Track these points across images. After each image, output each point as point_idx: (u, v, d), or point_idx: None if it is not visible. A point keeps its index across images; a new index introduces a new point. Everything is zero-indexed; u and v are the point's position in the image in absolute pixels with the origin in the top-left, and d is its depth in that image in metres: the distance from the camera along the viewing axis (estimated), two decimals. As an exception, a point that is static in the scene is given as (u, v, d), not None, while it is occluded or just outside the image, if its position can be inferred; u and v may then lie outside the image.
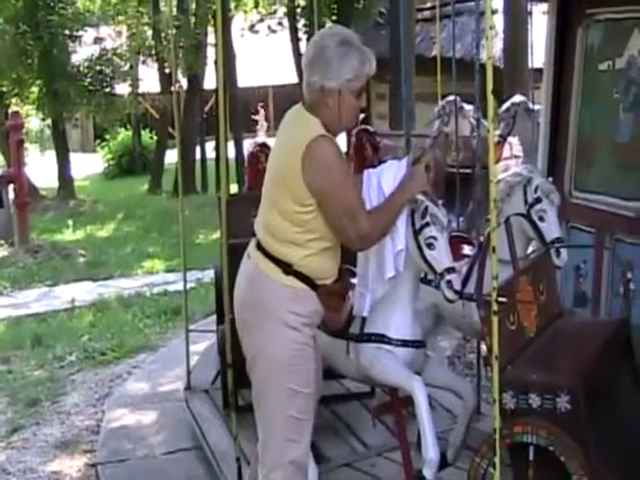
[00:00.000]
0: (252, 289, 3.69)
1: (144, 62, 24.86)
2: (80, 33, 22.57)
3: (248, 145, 8.90)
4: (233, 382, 4.54)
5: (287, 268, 3.62)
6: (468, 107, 8.38)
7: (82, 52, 23.00)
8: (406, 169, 3.88)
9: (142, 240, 15.96)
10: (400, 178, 3.88)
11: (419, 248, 4.03)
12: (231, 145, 19.70)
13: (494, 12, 14.45)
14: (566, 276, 5.53)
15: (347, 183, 3.56)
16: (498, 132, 8.72)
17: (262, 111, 9.31)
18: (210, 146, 23.43)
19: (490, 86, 3.36)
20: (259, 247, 3.70)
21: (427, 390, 4.04)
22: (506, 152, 8.97)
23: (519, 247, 4.53)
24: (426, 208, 3.98)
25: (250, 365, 3.74)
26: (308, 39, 19.77)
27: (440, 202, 4.05)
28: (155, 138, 27.39)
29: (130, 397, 6.80)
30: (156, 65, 24.53)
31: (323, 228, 3.60)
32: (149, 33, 23.89)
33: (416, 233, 4.01)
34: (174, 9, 20.47)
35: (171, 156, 22.79)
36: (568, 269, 5.49)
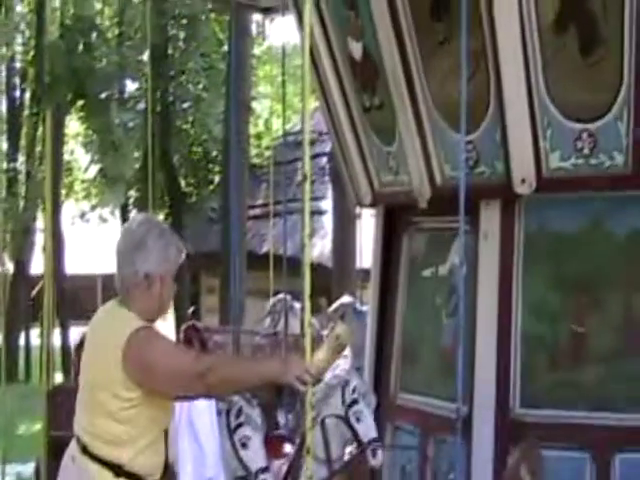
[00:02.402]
0: None
1: (-32, 242, 24.34)
2: None
3: (76, 335, 8.79)
4: None
5: (118, 470, 3.56)
6: (298, 305, 8.56)
7: None
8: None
9: (-42, 429, 15.21)
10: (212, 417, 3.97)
11: (234, 447, 4.06)
12: (57, 332, 19.33)
13: (323, 213, 15.00)
14: (392, 477, 5.60)
15: (176, 356, 3.60)
16: (326, 331, 8.91)
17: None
18: (35, 333, 22.87)
19: (307, 292, 3.49)
20: (85, 451, 3.63)
21: None
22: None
23: (337, 447, 4.62)
24: (240, 408, 4.05)
25: None
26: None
27: (255, 402, 4.13)
28: (-23, 323, 26.53)
29: None
30: (-19, 248, 24.05)
31: (148, 421, 3.58)
32: (-25, 215, 23.52)
33: (231, 432, 4.06)
34: (3, 191, 20.31)
35: (-7, 342, 22.03)
36: (394, 470, 5.57)
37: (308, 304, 3.50)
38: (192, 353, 3.71)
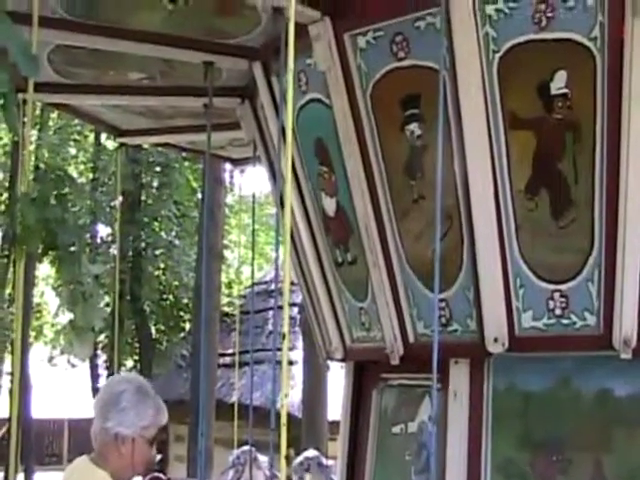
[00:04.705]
0: None
1: None
2: None
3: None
4: None
5: None
6: (263, 458, 8.49)
7: None
8: None
9: None
10: None
11: None
12: (21, 477, 18.98)
13: (293, 363, 15.01)
14: None
15: None
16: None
17: None
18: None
19: (284, 451, 3.44)
20: None
21: None
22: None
23: None
24: None
25: None
26: (108, 375, 19.70)
27: None
28: None
29: None
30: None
31: None
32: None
33: None
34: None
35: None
36: None
37: (284, 465, 3.44)
38: None
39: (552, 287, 4.60)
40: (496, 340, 4.66)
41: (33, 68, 3.34)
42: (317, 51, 4.94)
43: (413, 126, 4.84)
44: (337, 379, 8.05)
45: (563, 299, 4.59)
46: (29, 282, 18.30)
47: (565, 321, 4.62)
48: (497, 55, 4.48)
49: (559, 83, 4.43)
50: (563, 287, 4.58)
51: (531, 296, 4.64)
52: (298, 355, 14.97)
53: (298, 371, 14.45)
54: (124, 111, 7.18)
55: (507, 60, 4.47)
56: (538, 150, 4.53)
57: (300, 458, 8.74)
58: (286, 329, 3.55)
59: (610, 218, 4.41)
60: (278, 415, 4.30)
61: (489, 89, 4.49)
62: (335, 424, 7.10)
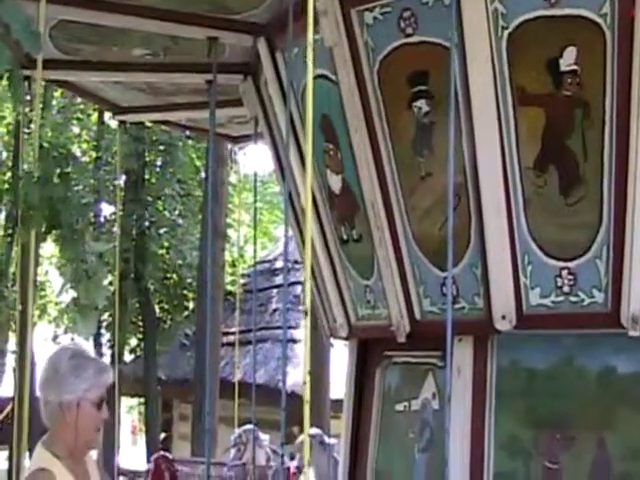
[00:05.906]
0: None
1: None
2: None
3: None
4: None
5: None
6: (264, 436, 8.53)
7: None
8: None
9: None
10: None
11: None
12: (26, 455, 18.99)
13: (297, 341, 15.00)
14: None
15: None
16: (295, 463, 8.83)
17: None
18: (3, 456, 22.49)
19: (307, 429, 3.43)
20: None
21: None
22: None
23: None
24: None
25: None
26: (112, 355, 19.74)
27: None
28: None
29: None
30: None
31: None
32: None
33: None
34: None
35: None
36: None
37: (308, 442, 3.43)
38: None
39: (560, 264, 4.58)
40: (504, 317, 4.65)
41: (36, 44, 3.30)
42: (324, 27, 4.89)
43: (420, 103, 4.81)
44: (340, 357, 8.05)
45: (571, 276, 4.57)
46: (33, 261, 18.29)
47: (573, 298, 4.60)
48: (506, 31, 4.44)
49: (568, 59, 4.39)
50: (571, 264, 4.56)
51: (539, 273, 4.62)
52: (301, 333, 14.98)
53: (301, 349, 14.46)
54: (124, 88, 7.14)
55: (516, 36, 4.44)
56: (547, 127, 4.49)
57: (302, 436, 8.76)
58: (308, 304, 3.51)
59: (619, 195, 4.39)
60: (287, 394, 4.30)
61: (498, 65, 4.45)
62: (338, 402, 7.11)
